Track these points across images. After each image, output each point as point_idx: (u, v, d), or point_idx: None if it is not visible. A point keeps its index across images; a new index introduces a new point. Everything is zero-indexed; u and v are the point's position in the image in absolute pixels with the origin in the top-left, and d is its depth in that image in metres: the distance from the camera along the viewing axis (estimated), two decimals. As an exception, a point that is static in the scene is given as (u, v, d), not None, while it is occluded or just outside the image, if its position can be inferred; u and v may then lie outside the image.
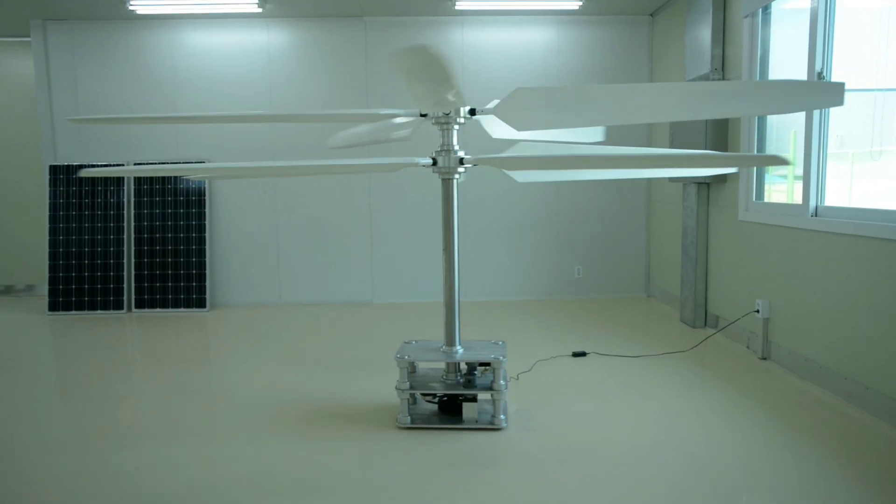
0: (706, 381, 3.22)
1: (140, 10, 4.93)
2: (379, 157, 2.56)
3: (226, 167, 2.34)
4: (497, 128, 2.88)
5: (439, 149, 2.68)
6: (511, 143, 5.16)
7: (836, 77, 3.08)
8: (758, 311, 3.60)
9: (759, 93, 1.84)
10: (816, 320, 3.15)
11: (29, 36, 5.63)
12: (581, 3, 4.91)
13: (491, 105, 2.61)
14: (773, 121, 3.72)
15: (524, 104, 2.12)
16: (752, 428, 2.62)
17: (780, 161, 1.75)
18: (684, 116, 1.95)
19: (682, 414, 2.79)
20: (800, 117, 3.28)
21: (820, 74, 3.10)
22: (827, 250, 3.05)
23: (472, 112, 2.65)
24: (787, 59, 3.54)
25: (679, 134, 4.33)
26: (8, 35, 5.77)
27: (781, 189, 3.69)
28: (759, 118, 3.78)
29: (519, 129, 2.22)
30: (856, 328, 2.86)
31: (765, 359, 3.59)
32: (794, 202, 3.42)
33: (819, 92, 1.79)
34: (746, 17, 3.72)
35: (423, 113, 2.66)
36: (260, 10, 4.98)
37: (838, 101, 1.78)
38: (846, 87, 1.80)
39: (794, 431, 2.58)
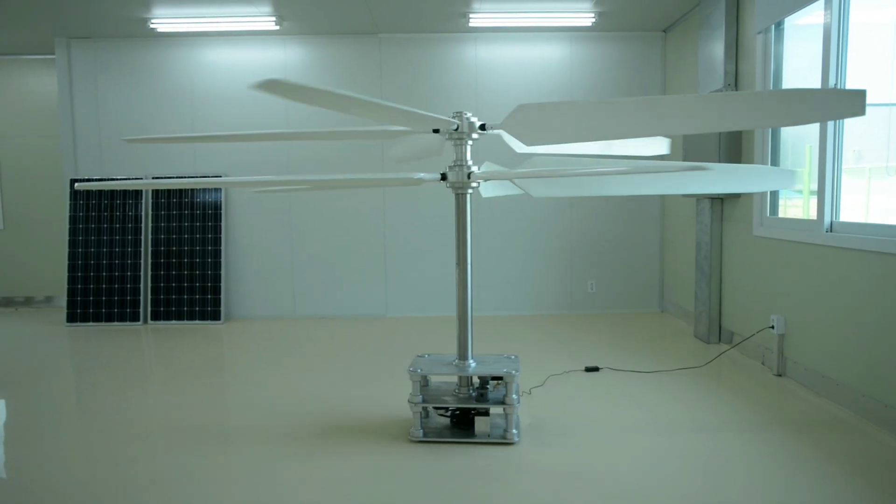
0: (720, 398, 3.19)
1: (161, 29, 5.05)
2: (394, 173, 2.59)
3: (247, 181, 2.39)
4: (519, 143, 2.90)
5: (452, 164, 2.71)
6: (528, 157, 5.19)
7: (850, 92, 3.07)
8: (773, 327, 3.57)
9: (776, 102, 1.80)
10: (832, 337, 3.12)
11: (53, 54, 5.78)
12: (594, 20, 4.95)
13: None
14: (788, 135, 3.71)
15: (528, 120, 2.14)
16: (766, 445, 2.59)
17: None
18: (696, 129, 1.93)
19: (694, 430, 2.76)
20: (815, 132, 3.27)
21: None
22: (842, 266, 3.03)
23: (483, 127, 2.68)
24: (800, 75, 3.54)
25: (692, 148, 4.34)
26: (33, 53, 5.93)
27: (796, 204, 3.67)
28: (772, 132, 3.77)
29: (528, 143, 2.24)
30: (873, 345, 2.82)
31: (780, 375, 3.55)
32: (809, 217, 3.41)
33: (839, 100, 1.74)
34: (759, 33, 3.73)
35: (434, 129, 2.69)
36: (277, 27, 5.08)
37: (859, 110, 1.72)
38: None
39: (809, 449, 2.54)
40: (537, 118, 2.10)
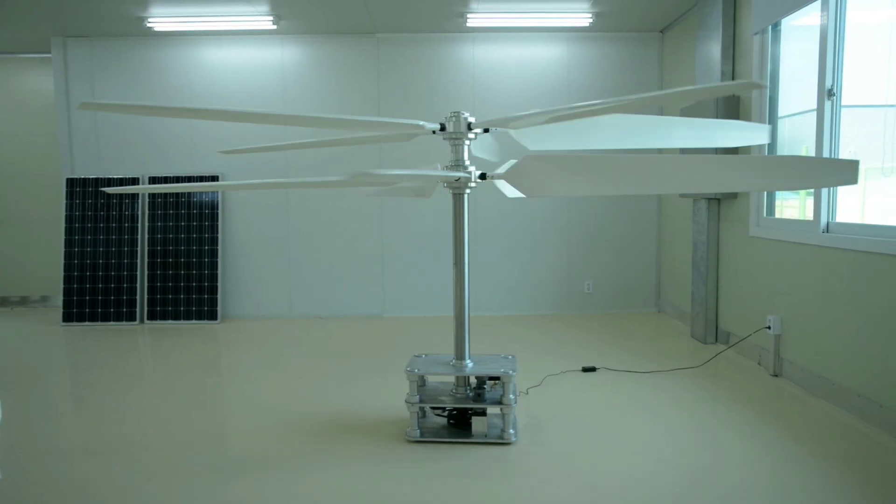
0: (717, 398, 3.20)
1: (158, 28, 5.04)
2: (402, 169, 2.58)
3: (244, 184, 2.38)
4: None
5: (450, 163, 2.71)
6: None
7: (846, 92, 3.09)
8: (769, 328, 3.58)
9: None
10: (829, 337, 3.13)
11: (49, 52, 5.76)
12: (591, 20, 4.96)
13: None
14: (785, 137, 3.72)
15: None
16: (762, 445, 2.60)
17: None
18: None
19: (691, 431, 2.77)
20: (811, 133, 3.28)
21: (830, 91, 3.11)
22: (839, 267, 3.04)
23: (486, 130, 2.68)
24: (797, 76, 3.55)
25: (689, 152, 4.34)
26: (29, 51, 5.91)
27: (793, 205, 3.68)
28: (770, 132, 3.78)
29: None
30: (869, 345, 2.83)
31: (776, 375, 3.56)
32: (806, 218, 3.41)
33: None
34: (756, 33, 3.74)
35: (441, 126, 2.68)
36: (275, 27, 5.07)
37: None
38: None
39: (805, 449, 2.55)
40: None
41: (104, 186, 5.41)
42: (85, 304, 5.33)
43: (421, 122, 2.58)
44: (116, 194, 5.39)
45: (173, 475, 2.40)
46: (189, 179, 5.43)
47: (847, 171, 1.83)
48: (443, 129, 2.66)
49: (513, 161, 2.95)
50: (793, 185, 1.91)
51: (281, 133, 5.41)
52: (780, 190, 2.28)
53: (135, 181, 5.43)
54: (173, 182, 5.45)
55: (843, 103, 3.10)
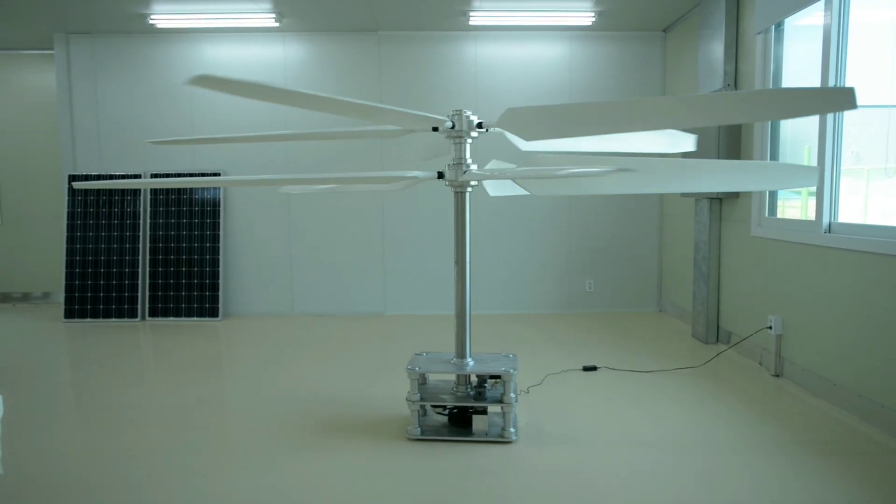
0: (718, 398, 3.20)
1: (160, 24, 5.04)
2: (392, 171, 2.59)
3: (239, 179, 2.38)
4: (522, 141, 2.95)
5: (452, 162, 2.71)
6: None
7: (849, 93, 3.08)
8: (770, 328, 3.57)
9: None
10: (830, 337, 3.12)
11: (52, 49, 5.76)
12: (594, 19, 4.95)
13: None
14: (787, 136, 3.71)
15: (519, 121, 2.19)
16: (762, 445, 2.60)
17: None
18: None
19: (692, 431, 2.77)
20: (814, 133, 3.27)
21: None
22: (840, 267, 3.03)
23: (480, 125, 2.68)
24: (800, 76, 3.54)
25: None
26: (32, 48, 5.91)
27: (795, 205, 3.68)
28: (772, 131, 3.78)
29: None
30: (870, 346, 2.83)
31: (777, 375, 3.56)
32: (808, 218, 3.41)
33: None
34: (759, 33, 3.73)
35: (452, 123, 2.68)
36: (277, 24, 5.07)
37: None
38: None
39: (806, 449, 2.55)
40: (527, 119, 2.16)
41: (105, 187, 5.41)
42: (87, 301, 5.34)
43: (441, 117, 2.58)
44: (119, 192, 5.40)
45: (174, 472, 2.40)
46: (190, 177, 5.43)
47: (808, 175, 2.07)
48: (452, 126, 2.65)
49: (496, 161, 2.96)
50: (770, 186, 2.14)
51: (282, 131, 5.41)
52: (759, 189, 2.37)
53: (136, 178, 5.44)
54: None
55: (845, 103, 3.09)
